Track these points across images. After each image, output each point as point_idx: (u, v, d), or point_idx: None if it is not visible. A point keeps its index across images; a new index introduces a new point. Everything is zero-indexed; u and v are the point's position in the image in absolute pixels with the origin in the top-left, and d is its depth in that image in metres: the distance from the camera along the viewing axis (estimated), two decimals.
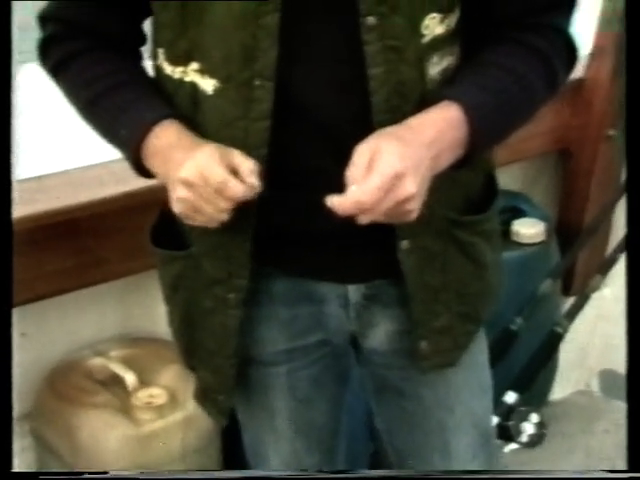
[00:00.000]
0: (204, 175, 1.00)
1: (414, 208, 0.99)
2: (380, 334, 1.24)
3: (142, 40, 1.18)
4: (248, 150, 1.05)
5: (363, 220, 0.99)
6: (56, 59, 1.15)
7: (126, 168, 1.77)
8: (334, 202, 0.97)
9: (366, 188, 0.96)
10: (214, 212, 1.02)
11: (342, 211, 0.97)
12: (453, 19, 1.07)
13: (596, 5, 2.21)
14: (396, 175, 0.96)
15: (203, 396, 1.29)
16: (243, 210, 1.08)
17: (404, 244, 1.12)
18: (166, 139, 1.06)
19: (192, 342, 1.25)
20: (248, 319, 1.19)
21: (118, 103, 1.11)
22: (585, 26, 2.28)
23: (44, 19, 1.16)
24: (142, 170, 1.11)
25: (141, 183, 1.68)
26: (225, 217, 1.03)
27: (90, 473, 1.12)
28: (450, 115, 1.03)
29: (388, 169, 0.96)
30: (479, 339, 1.30)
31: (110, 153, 1.74)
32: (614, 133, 2.27)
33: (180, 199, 1.03)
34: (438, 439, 1.29)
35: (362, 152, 0.98)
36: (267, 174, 1.06)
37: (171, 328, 1.29)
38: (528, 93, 1.10)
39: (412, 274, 1.14)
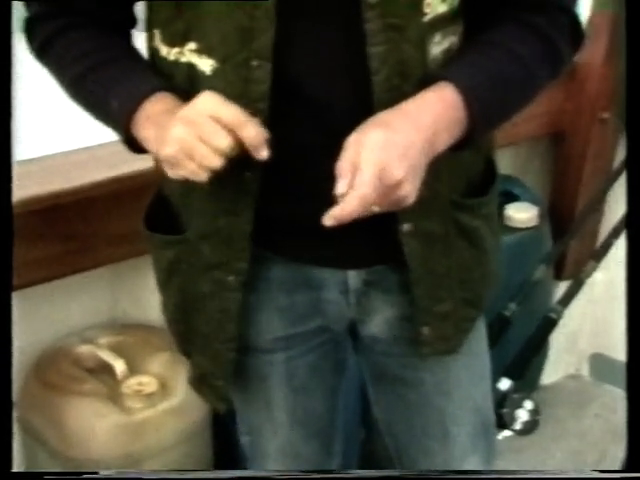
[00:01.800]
0: (212, 113, 0.97)
1: (407, 193, 0.98)
2: (380, 321, 1.23)
3: (132, 22, 1.15)
4: None
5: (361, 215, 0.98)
6: (42, 37, 1.12)
7: (113, 152, 1.77)
8: (331, 217, 0.96)
9: (355, 195, 0.95)
10: (208, 155, 0.97)
11: (340, 221, 0.96)
12: None
13: None
14: (380, 169, 0.95)
15: (200, 382, 1.27)
16: (244, 192, 1.07)
17: (405, 227, 1.11)
18: (162, 105, 1.04)
19: (188, 328, 1.23)
20: (246, 306, 1.17)
21: (110, 75, 1.08)
22: (578, 9, 2.26)
23: None
24: (131, 143, 1.09)
25: (129, 168, 1.69)
26: (217, 164, 0.98)
27: (89, 473, 1.11)
28: (447, 97, 1.02)
29: (371, 167, 0.95)
30: (478, 326, 1.29)
31: (97, 138, 1.74)
32: (607, 116, 2.26)
33: (175, 139, 0.99)
34: (438, 427, 1.29)
35: (349, 145, 0.97)
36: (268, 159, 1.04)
37: (165, 314, 1.27)
38: (528, 73, 1.08)
39: (415, 258, 1.13)
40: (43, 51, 1.14)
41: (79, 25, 1.12)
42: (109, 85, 1.08)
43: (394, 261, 1.15)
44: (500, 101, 1.07)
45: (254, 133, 0.98)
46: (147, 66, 1.11)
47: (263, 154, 0.99)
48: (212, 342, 1.20)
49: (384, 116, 1.00)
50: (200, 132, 0.97)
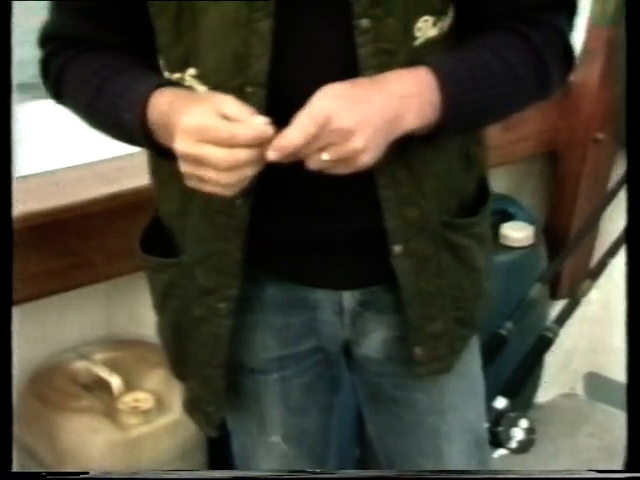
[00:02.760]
0: (207, 133, 0.94)
1: (359, 149, 0.96)
2: (374, 341, 1.23)
3: (144, 45, 1.12)
4: None
5: (309, 163, 0.97)
6: (55, 70, 1.12)
7: (112, 169, 1.78)
8: (273, 148, 0.95)
9: (295, 126, 0.95)
10: (228, 174, 0.95)
11: (281, 152, 0.94)
12: (446, 22, 1.06)
13: (584, 8, 2.20)
14: (328, 113, 0.94)
15: (192, 407, 1.27)
16: (235, 219, 1.07)
17: (396, 249, 1.11)
18: (164, 98, 1.02)
19: (181, 352, 1.23)
20: (240, 326, 1.17)
21: (116, 91, 1.07)
22: (573, 35, 2.28)
23: (43, 40, 1.13)
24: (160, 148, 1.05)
25: (127, 184, 1.69)
26: (250, 172, 0.96)
27: (89, 473, 1.11)
28: (421, 76, 1.01)
29: (316, 107, 0.95)
30: (472, 345, 1.29)
31: (96, 154, 1.74)
32: (602, 137, 2.27)
33: (186, 175, 0.98)
34: (431, 446, 1.28)
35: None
36: (260, 179, 1.04)
37: (160, 337, 1.27)
38: (513, 79, 1.07)
39: (406, 279, 1.13)
40: (58, 85, 1.13)
41: (88, 50, 1.11)
42: (116, 102, 1.07)
43: (388, 282, 1.15)
44: (478, 95, 1.05)
45: (251, 129, 0.95)
46: (150, 72, 1.09)
47: (271, 156, 0.96)
48: (204, 367, 1.20)
49: (356, 79, 1.00)
50: (208, 154, 0.94)
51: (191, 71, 1.04)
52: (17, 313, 1.62)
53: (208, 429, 1.27)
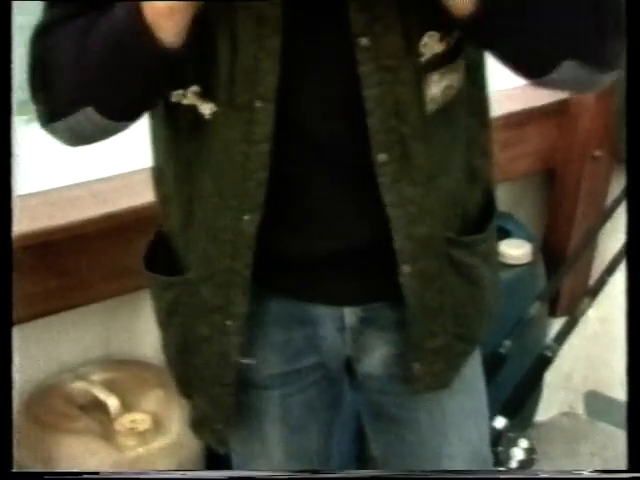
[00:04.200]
0: None
1: None
2: (376, 358, 1.22)
3: None
4: (248, 174, 1.04)
5: None
6: (40, 47, 1.04)
7: (108, 188, 1.77)
8: None
9: None
10: None
11: None
12: (453, 36, 1.04)
13: None
14: None
15: (200, 425, 1.26)
16: (243, 236, 1.07)
17: (405, 268, 1.10)
18: None
19: (188, 370, 1.23)
20: (242, 341, 1.17)
21: (104, 19, 0.99)
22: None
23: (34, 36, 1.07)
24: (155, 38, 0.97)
25: (124, 204, 1.69)
26: None
27: (89, 473, 1.10)
28: None
29: None
30: (475, 364, 1.29)
31: (92, 173, 1.74)
32: (600, 154, 2.27)
33: None
34: (434, 466, 1.27)
35: None
36: (266, 197, 1.04)
37: (165, 355, 1.26)
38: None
39: (413, 297, 1.12)
40: (44, 54, 1.04)
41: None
42: (106, 21, 0.99)
43: (390, 299, 1.14)
44: None
45: None
46: None
47: None
48: (211, 386, 1.19)
49: None
50: None
51: (194, 88, 1.04)
52: (13, 334, 1.62)
53: (218, 446, 1.26)
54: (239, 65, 1.00)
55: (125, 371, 1.83)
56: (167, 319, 1.21)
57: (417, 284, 1.12)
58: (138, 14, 0.94)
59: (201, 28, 1.00)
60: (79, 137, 1.07)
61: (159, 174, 1.17)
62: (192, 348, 1.19)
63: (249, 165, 1.04)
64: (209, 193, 1.08)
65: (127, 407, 1.75)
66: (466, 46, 1.08)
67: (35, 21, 1.08)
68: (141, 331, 1.41)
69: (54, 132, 1.07)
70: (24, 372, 1.76)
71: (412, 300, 1.12)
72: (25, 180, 1.67)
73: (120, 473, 1.49)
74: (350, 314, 1.18)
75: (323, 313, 1.18)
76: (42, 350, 1.79)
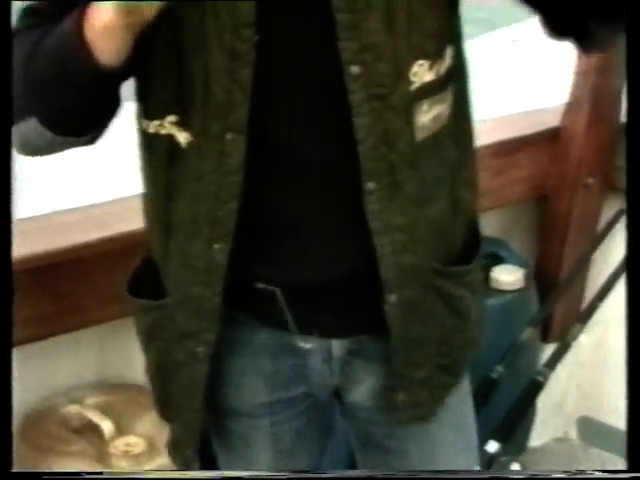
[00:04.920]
0: None
1: None
2: (364, 390, 1.22)
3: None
4: (219, 204, 1.05)
5: None
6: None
7: (105, 213, 1.79)
8: None
9: None
10: None
11: None
12: (443, 65, 1.06)
13: (572, 55, 2.24)
14: None
15: (173, 448, 1.27)
16: (214, 264, 1.07)
17: (391, 297, 1.10)
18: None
19: (165, 393, 1.24)
20: (231, 370, 1.18)
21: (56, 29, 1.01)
22: (562, 76, 2.32)
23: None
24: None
25: (120, 228, 1.70)
26: None
27: (89, 473, 1.10)
28: None
29: None
30: (463, 395, 1.28)
31: (89, 198, 1.75)
32: (592, 181, 2.29)
33: None
34: None
35: None
36: (243, 226, 1.05)
37: (147, 376, 1.27)
38: None
39: (398, 327, 1.12)
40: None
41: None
42: (57, 32, 1.00)
43: (378, 331, 1.14)
44: None
45: None
46: None
47: None
48: (183, 411, 1.20)
49: None
50: None
51: (171, 118, 1.05)
52: None
53: (186, 469, 1.26)
54: (211, 96, 1.01)
55: (119, 394, 1.83)
56: (147, 343, 1.22)
57: (402, 313, 1.11)
58: (78, 31, 0.95)
59: (176, 59, 1.01)
60: (28, 147, 1.07)
61: (145, 201, 1.18)
62: (169, 372, 1.20)
63: (220, 195, 1.05)
64: (184, 220, 1.09)
65: (121, 430, 1.75)
66: (454, 76, 1.09)
67: None
68: (135, 355, 1.41)
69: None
70: (18, 395, 1.76)
71: (397, 329, 1.12)
72: (22, 204, 1.68)
73: (120, 473, 1.49)
74: (338, 346, 1.18)
75: (311, 344, 1.18)
76: (37, 373, 1.79)
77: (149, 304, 1.19)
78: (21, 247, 1.58)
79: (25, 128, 1.03)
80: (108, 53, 0.96)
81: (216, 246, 1.07)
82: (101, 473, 0.98)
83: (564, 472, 0.91)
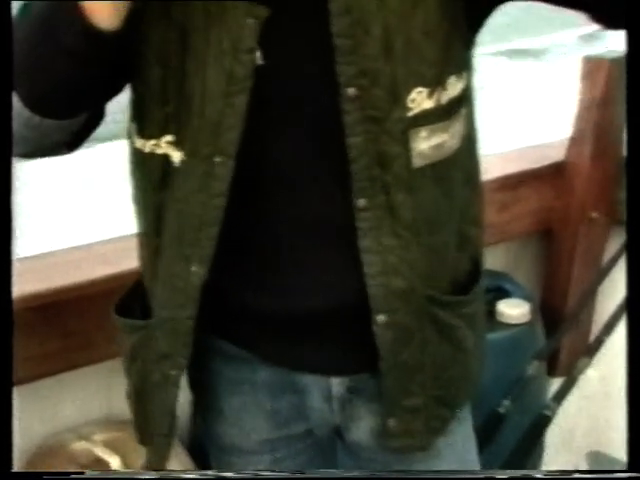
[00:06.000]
0: None
1: None
2: (364, 428, 1.22)
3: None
4: (201, 226, 1.05)
5: None
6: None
7: (112, 250, 1.79)
8: None
9: None
10: None
11: None
12: (444, 95, 1.06)
13: (576, 90, 2.26)
14: None
15: None
16: (189, 286, 1.08)
17: (380, 318, 1.09)
18: None
19: (142, 417, 1.23)
20: (232, 407, 1.18)
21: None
22: (565, 110, 2.33)
23: None
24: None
25: (127, 265, 1.71)
26: None
27: (91, 474, 1.10)
28: None
29: None
30: (465, 429, 1.27)
31: (96, 235, 1.76)
32: (596, 216, 2.30)
33: None
34: None
35: None
36: (230, 251, 1.05)
37: (128, 402, 1.27)
38: None
39: (386, 350, 1.11)
40: None
41: None
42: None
43: (377, 369, 1.13)
44: None
45: None
46: None
47: None
48: (155, 435, 1.20)
49: None
50: None
51: (168, 137, 1.06)
52: (15, 394, 1.63)
53: None
54: (205, 118, 1.02)
55: (127, 431, 1.82)
56: (129, 364, 1.22)
57: (391, 336, 1.10)
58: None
59: (178, 79, 1.02)
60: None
61: (137, 224, 1.19)
62: (146, 395, 1.20)
63: (204, 217, 1.05)
64: (172, 240, 1.10)
65: (129, 466, 1.74)
66: (463, 108, 1.10)
67: None
68: None
69: None
70: (26, 432, 1.77)
71: (386, 353, 1.11)
72: (29, 242, 1.70)
73: (120, 473, 1.48)
74: (337, 384, 1.18)
75: (310, 382, 1.18)
76: (44, 410, 1.79)
77: (135, 324, 1.19)
78: (28, 285, 1.60)
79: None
80: (104, 16, 0.94)
81: (193, 268, 1.07)
82: (103, 473, 0.97)
83: (562, 472, 0.90)
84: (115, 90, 1.09)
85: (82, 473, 1.00)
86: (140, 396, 1.22)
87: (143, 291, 1.20)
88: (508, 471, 1.75)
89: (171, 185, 1.08)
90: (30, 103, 1.00)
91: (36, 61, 0.98)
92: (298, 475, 1.12)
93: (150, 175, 1.10)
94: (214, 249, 1.06)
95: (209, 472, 1.15)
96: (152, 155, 1.08)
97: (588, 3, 1.01)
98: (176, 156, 1.06)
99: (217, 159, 1.03)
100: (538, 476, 1.02)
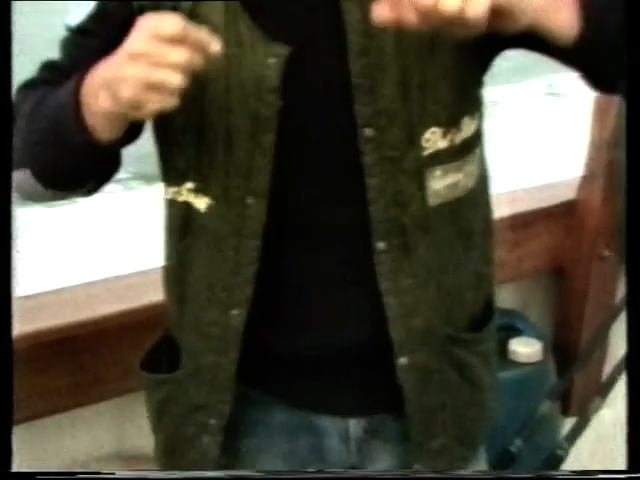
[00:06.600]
0: (154, 34, 0.88)
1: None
2: (379, 468, 1.20)
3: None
4: (237, 268, 1.06)
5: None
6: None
7: (124, 286, 1.80)
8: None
9: None
10: (169, 76, 0.88)
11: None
12: (458, 135, 1.07)
13: (587, 130, 2.27)
14: None
15: None
16: (230, 330, 1.08)
17: (402, 360, 1.10)
18: (93, 72, 0.97)
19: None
20: (248, 449, 1.17)
21: (55, 94, 1.03)
22: (577, 149, 2.34)
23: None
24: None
25: (139, 301, 1.71)
26: (180, 80, 0.88)
27: (89, 473, 1.08)
28: None
29: None
30: (481, 469, 1.27)
31: (108, 271, 1.77)
32: (608, 254, 2.30)
33: (129, 76, 0.89)
34: None
35: None
36: (258, 293, 1.06)
37: (156, 461, 1.26)
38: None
39: (411, 392, 1.12)
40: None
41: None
42: (56, 98, 1.02)
43: (395, 410, 1.13)
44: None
45: (200, 32, 0.90)
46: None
47: (215, 47, 0.90)
48: None
49: None
50: (150, 57, 0.88)
51: (189, 185, 1.07)
52: (26, 429, 1.63)
53: None
54: (233, 161, 1.03)
55: (138, 467, 1.83)
56: (157, 420, 1.21)
57: (415, 378, 1.11)
58: (76, 105, 0.96)
59: (198, 125, 1.03)
60: (25, 193, 1.08)
61: (163, 270, 1.19)
62: (178, 450, 1.19)
63: (239, 259, 1.06)
64: (199, 288, 1.10)
65: None
66: (476, 148, 1.11)
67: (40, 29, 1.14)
68: None
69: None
70: (36, 468, 1.76)
71: (410, 395, 1.12)
72: (41, 278, 1.71)
73: (120, 473, 1.46)
74: (355, 425, 1.17)
75: (328, 423, 1.17)
76: (54, 446, 1.79)
77: (161, 378, 1.18)
78: (41, 321, 1.61)
79: (20, 176, 1.04)
80: (104, 131, 0.97)
81: (234, 312, 1.07)
82: (98, 473, 0.96)
83: (564, 472, 0.89)
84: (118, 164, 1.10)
85: (75, 474, 0.98)
86: (171, 452, 1.21)
87: (169, 344, 1.19)
88: (513, 471, 1.74)
89: (196, 232, 1.08)
90: (41, 182, 1.05)
91: (46, 153, 1.03)
92: (298, 475, 1.11)
93: (172, 223, 1.11)
94: (253, 291, 1.06)
95: (209, 472, 1.13)
96: (174, 202, 1.09)
97: (582, 65, 1.02)
98: (200, 203, 1.06)
99: (249, 200, 1.04)
100: (539, 476, 1.02)
